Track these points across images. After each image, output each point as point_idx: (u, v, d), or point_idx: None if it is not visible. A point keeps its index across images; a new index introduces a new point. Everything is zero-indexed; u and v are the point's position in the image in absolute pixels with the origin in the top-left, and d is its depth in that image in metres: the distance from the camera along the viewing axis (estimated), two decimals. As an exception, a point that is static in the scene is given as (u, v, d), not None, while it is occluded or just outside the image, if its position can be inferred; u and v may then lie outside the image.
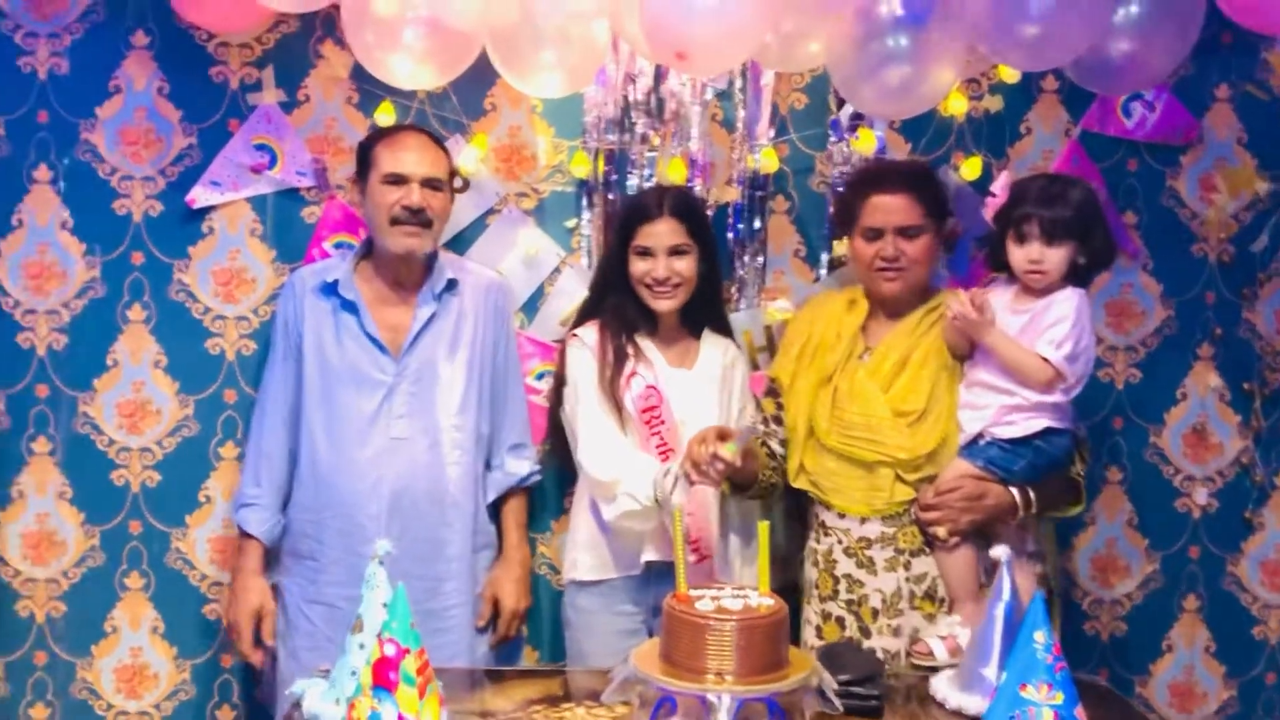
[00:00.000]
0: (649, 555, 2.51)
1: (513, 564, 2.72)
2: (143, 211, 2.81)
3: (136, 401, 2.83)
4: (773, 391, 2.58)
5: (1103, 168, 2.92)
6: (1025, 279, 2.37)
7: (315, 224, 2.82)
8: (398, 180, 2.54)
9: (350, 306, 2.59)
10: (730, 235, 2.86)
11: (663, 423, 2.52)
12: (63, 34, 2.75)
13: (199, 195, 2.79)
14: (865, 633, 2.40)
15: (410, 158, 2.56)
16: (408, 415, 2.58)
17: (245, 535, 2.63)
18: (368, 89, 2.78)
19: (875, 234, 2.45)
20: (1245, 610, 3.06)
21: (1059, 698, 1.70)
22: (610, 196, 2.86)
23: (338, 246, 2.82)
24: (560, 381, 2.65)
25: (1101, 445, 3.00)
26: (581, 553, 2.59)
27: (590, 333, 2.60)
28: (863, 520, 2.42)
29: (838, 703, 1.87)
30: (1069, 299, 2.34)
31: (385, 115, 2.77)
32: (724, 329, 2.70)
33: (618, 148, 2.85)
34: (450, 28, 2.42)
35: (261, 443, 2.65)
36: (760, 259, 2.89)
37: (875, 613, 2.40)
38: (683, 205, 2.57)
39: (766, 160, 2.83)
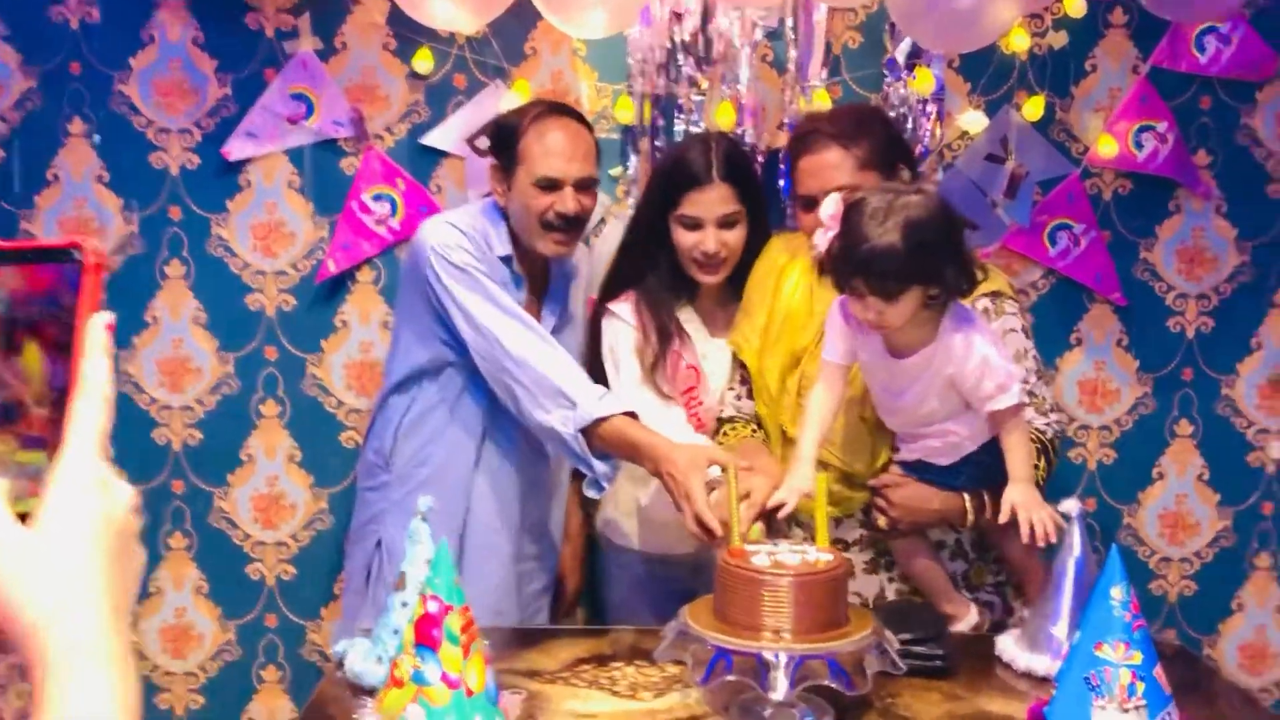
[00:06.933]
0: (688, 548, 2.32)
1: (574, 542, 2.64)
2: (179, 165, 2.75)
3: (176, 359, 2.79)
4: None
5: (1173, 105, 2.78)
6: None
7: (354, 175, 2.75)
8: (552, 185, 2.25)
9: (519, 282, 2.34)
10: (781, 183, 2.75)
11: (700, 403, 2.31)
12: (93, -18, 2.70)
13: (235, 147, 2.73)
14: None
15: (565, 159, 2.24)
16: None
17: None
18: (405, 35, 2.70)
19: (812, 203, 2.05)
20: (1321, 569, 2.94)
21: (1137, 657, 1.59)
22: (657, 143, 2.76)
23: (376, 199, 2.75)
24: (595, 354, 2.40)
25: (1170, 398, 2.88)
26: (626, 518, 2.48)
27: (626, 308, 2.34)
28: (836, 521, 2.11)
29: (900, 663, 1.78)
30: (965, 339, 1.90)
31: (423, 62, 2.71)
32: None
33: (664, 92, 2.75)
34: (489, -34, 2.34)
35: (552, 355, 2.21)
36: (812, 206, 2.78)
37: None
38: (734, 167, 2.25)
39: (819, 102, 2.71)
